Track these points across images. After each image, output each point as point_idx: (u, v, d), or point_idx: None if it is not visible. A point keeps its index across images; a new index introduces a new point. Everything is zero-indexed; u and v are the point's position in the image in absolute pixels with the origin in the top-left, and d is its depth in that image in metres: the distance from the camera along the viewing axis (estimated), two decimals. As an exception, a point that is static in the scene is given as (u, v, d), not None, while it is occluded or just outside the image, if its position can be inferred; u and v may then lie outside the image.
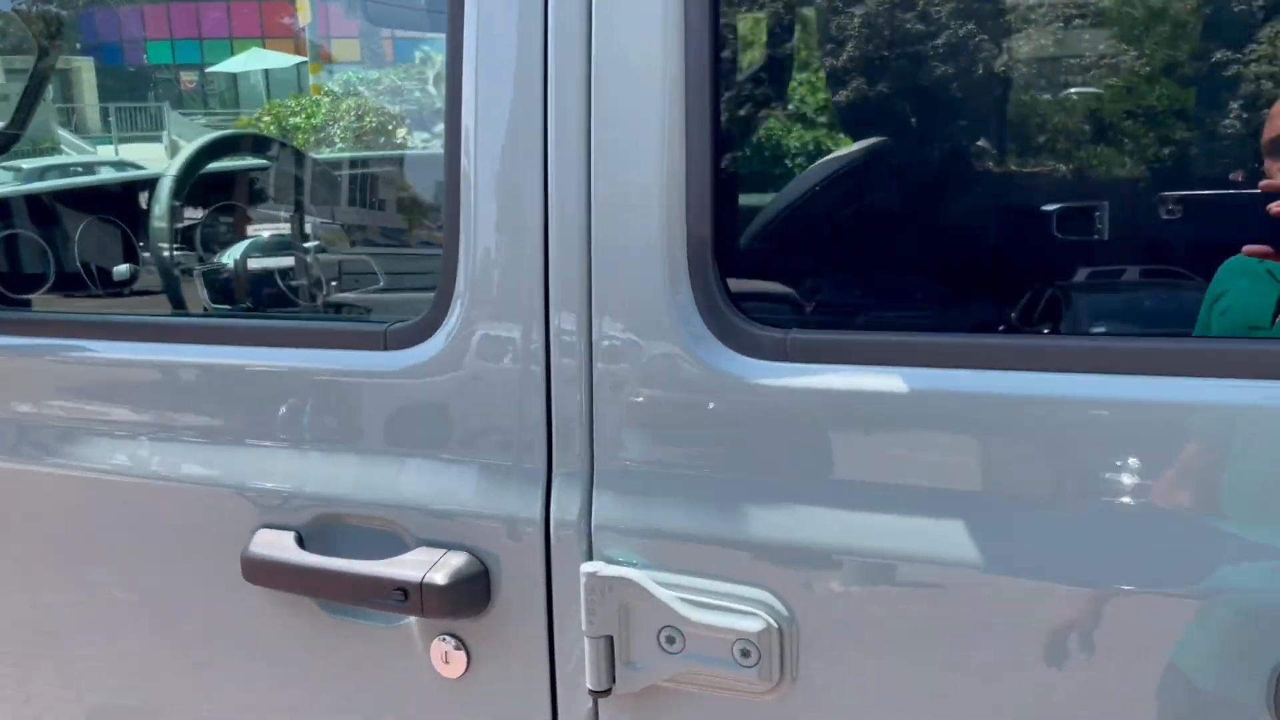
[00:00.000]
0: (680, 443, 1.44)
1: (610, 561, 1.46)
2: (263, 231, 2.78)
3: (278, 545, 1.66)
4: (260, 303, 2.39)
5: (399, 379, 1.60)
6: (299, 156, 3.22)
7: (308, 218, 2.80)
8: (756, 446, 1.39)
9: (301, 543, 1.66)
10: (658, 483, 1.45)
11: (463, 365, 1.55)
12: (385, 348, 1.62)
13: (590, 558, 1.49)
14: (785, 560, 1.37)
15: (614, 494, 1.47)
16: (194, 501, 1.77)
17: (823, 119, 1.79)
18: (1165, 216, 1.36)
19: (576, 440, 1.49)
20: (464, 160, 1.53)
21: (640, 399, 1.45)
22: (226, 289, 2.35)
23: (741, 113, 1.78)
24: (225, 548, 1.71)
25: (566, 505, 1.50)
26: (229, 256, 2.39)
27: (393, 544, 1.61)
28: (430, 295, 1.62)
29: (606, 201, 1.44)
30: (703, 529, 1.42)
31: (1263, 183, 1.35)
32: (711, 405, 1.41)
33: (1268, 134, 1.58)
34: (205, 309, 2.37)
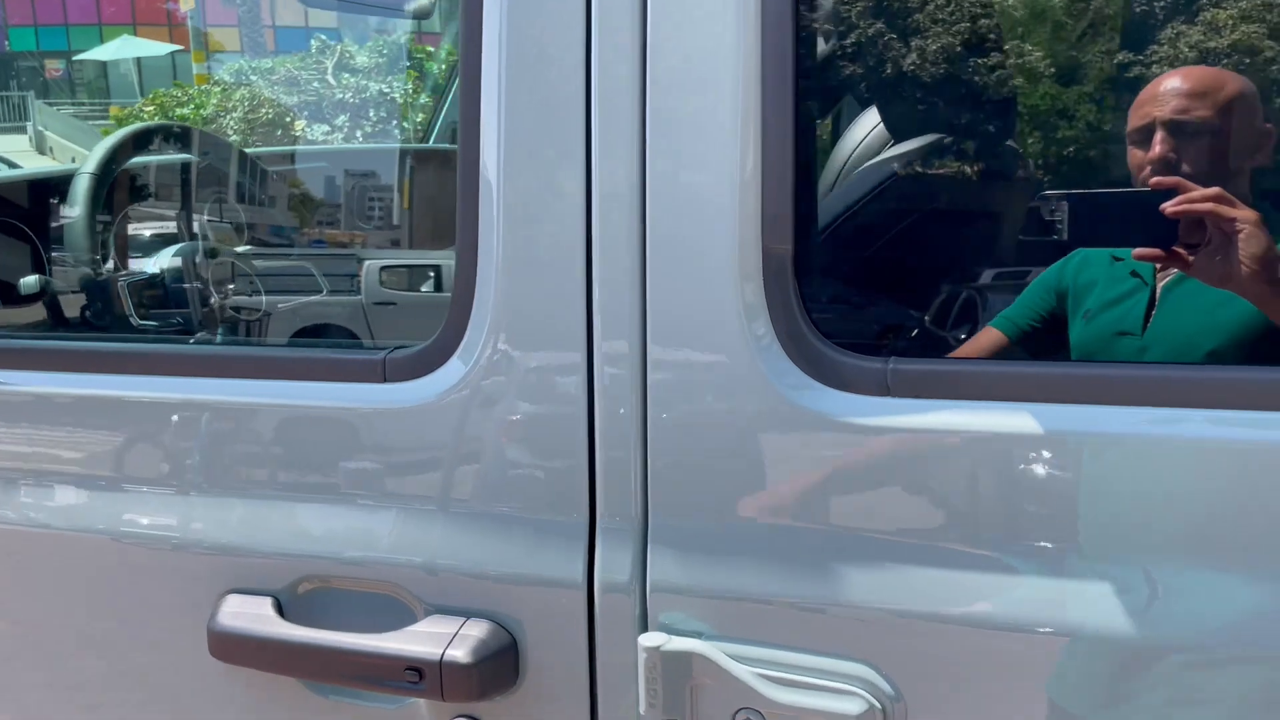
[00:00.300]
0: (757, 491, 1.23)
1: (672, 631, 1.24)
2: (200, 235, 2.46)
3: (253, 615, 1.39)
4: (209, 321, 2.09)
5: (402, 416, 1.35)
6: (239, 153, 2.90)
7: (250, 220, 2.51)
8: (852, 496, 1.19)
9: (281, 611, 1.40)
10: (729, 537, 1.23)
11: (482, 399, 1.31)
12: (384, 379, 1.37)
13: (645, 627, 1.26)
14: (890, 629, 1.17)
15: (674, 550, 1.26)
16: (148, 562, 1.49)
17: (918, 109, 1.60)
18: (1048, 218, 1.21)
19: (627, 487, 1.27)
20: (484, 158, 1.29)
21: (706, 439, 1.23)
22: (163, 303, 2.04)
23: (826, 106, 1.58)
24: (187, 618, 1.43)
25: (614, 564, 1.28)
26: (163, 264, 2.07)
27: (395, 612, 1.36)
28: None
29: (665, 207, 1.22)
30: (787, 591, 1.21)
31: (1153, 180, 1.23)
32: (795, 448, 1.21)
33: (1132, 123, 1.48)
34: (145, 328, 2.06)
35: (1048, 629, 1.12)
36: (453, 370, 1.33)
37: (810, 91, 1.58)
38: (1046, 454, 1.13)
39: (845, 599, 1.19)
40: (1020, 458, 1.13)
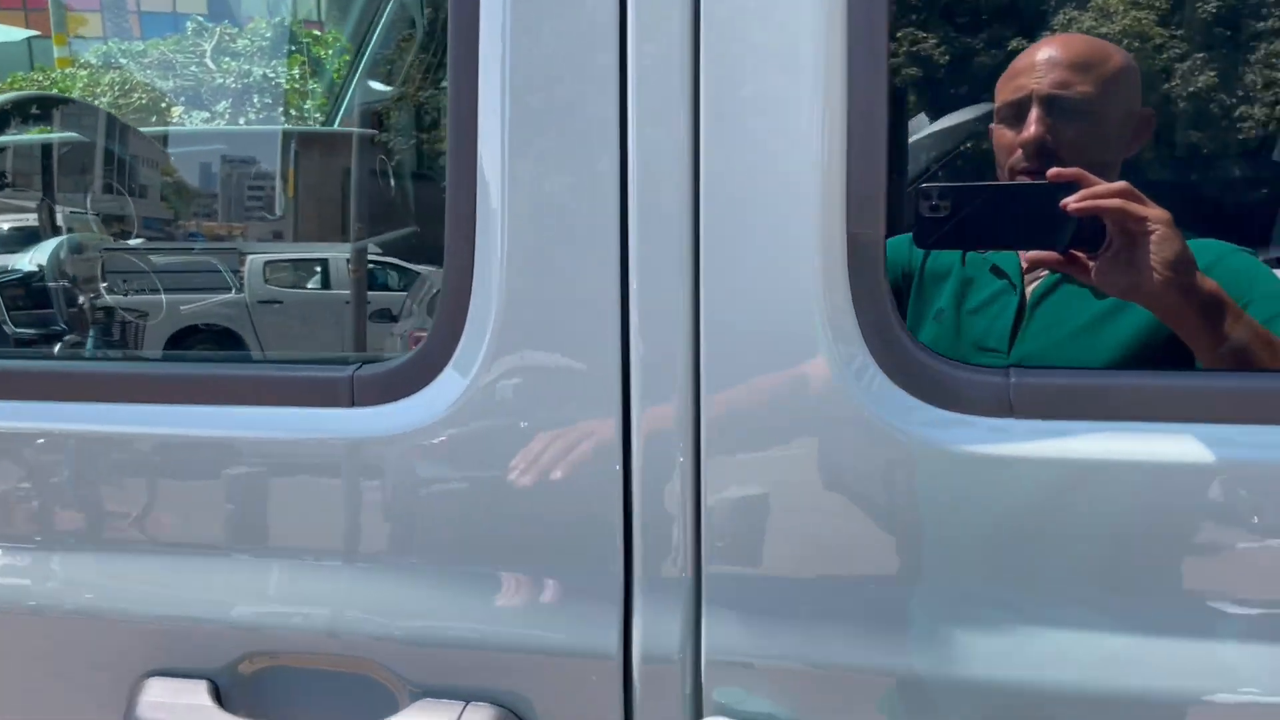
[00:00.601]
0: (845, 537, 0.98)
1: (734, 714, 0.99)
2: (66, 228, 2.09)
3: (183, 705, 1.09)
4: (78, 326, 1.74)
5: (377, 449, 1.07)
6: (123, 129, 2.53)
7: (124, 211, 2.16)
8: (969, 543, 0.96)
9: (219, 698, 1.10)
10: (808, 596, 0.99)
11: (482, 425, 1.03)
12: (351, 402, 1.08)
13: (699, 709, 1.01)
14: (1022, 708, 0.94)
15: (736, 611, 1.00)
16: (43, 639, 1.17)
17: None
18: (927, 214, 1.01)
19: (674, 533, 1.01)
20: (483, 134, 1.02)
21: (776, 471, 0.98)
22: (28, 307, 1.67)
23: (921, 76, 1.33)
24: (98, 712, 1.12)
25: (658, 628, 1.02)
26: (40, 261, 1.70)
27: (370, 696, 1.08)
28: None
29: (723, 187, 0.97)
30: (886, 662, 0.97)
31: (1052, 171, 1.03)
32: (893, 484, 0.97)
33: (1002, 96, 1.27)
34: (31, 342, 1.68)
35: (1229, 701, 0.90)
36: (445, 388, 1.05)
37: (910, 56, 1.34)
38: (1219, 488, 0.91)
39: (959, 671, 0.95)
40: (1184, 491, 0.91)
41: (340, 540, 1.08)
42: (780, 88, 0.96)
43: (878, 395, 0.96)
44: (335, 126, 3.48)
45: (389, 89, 2.89)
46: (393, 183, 2.94)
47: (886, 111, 0.95)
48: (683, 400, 0.99)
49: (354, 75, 3.40)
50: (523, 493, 1.02)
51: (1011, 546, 0.94)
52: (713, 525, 0.99)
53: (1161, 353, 1.14)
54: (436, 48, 2.90)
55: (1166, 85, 1.41)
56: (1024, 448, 0.94)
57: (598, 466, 1.01)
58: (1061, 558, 0.93)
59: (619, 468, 1.01)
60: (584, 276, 1.00)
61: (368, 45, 3.07)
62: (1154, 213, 1.04)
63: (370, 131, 2.81)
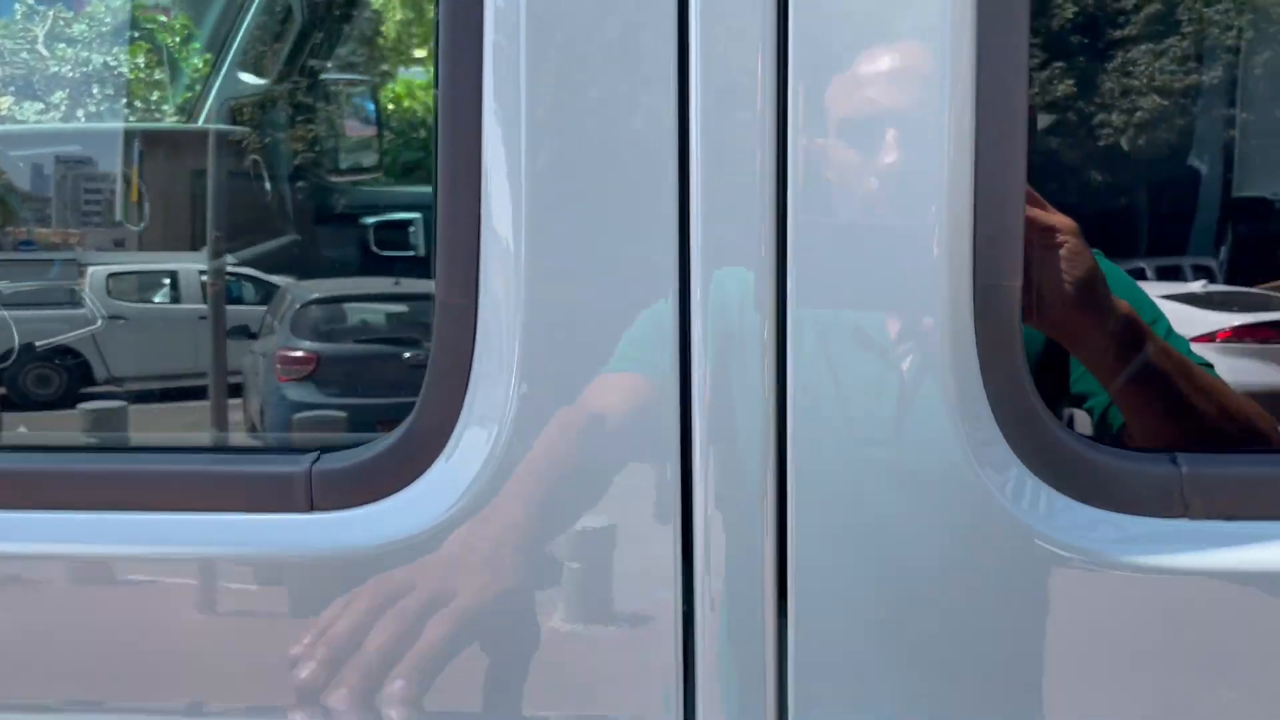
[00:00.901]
0: (973, 660, 0.77)
1: None
2: None
3: None
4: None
5: (342, 569, 0.80)
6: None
7: None
8: (1127, 669, 0.75)
9: None
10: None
11: (492, 536, 0.78)
12: (310, 505, 0.81)
13: None
14: None
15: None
16: None
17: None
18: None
19: (754, 677, 0.78)
20: (487, 140, 0.77)
21: (888, 589, 0.76)
22: None
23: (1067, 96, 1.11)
24: None
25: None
26: None
27: None
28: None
29: (812, 224, 0.74)
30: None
31: None
32: (1040, 604, 0.76)
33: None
34: None
35: None
36: (437, 485, 0.79)
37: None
38: None
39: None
40: None
41: (291, 696, 0.81)
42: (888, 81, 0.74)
43: (1020, 494, 0.75)
44: (197, 123, 3.11)
45: (261, 81, 2.55)
46: (267, 186, 2.62)
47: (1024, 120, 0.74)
48: (761, 506, 0.76)
49: (220, 65, 3.04)
50: (560, 634, 0.77)
51: (1199, 680, 0.75)
52: (803, 655, 0.77)
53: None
54: (323, 36, 2.59)
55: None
56: (1203, 559, 0.74)
57: (650, 591, 0.77)
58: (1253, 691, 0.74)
59: (674, 602, 0.77)
60: (624, 337, 0.76)
61: (236, 31, 2.72)
62: (1060, 220, 0.86)
63: (238, 129, 2.48)
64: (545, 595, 0.78)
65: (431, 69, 0.90)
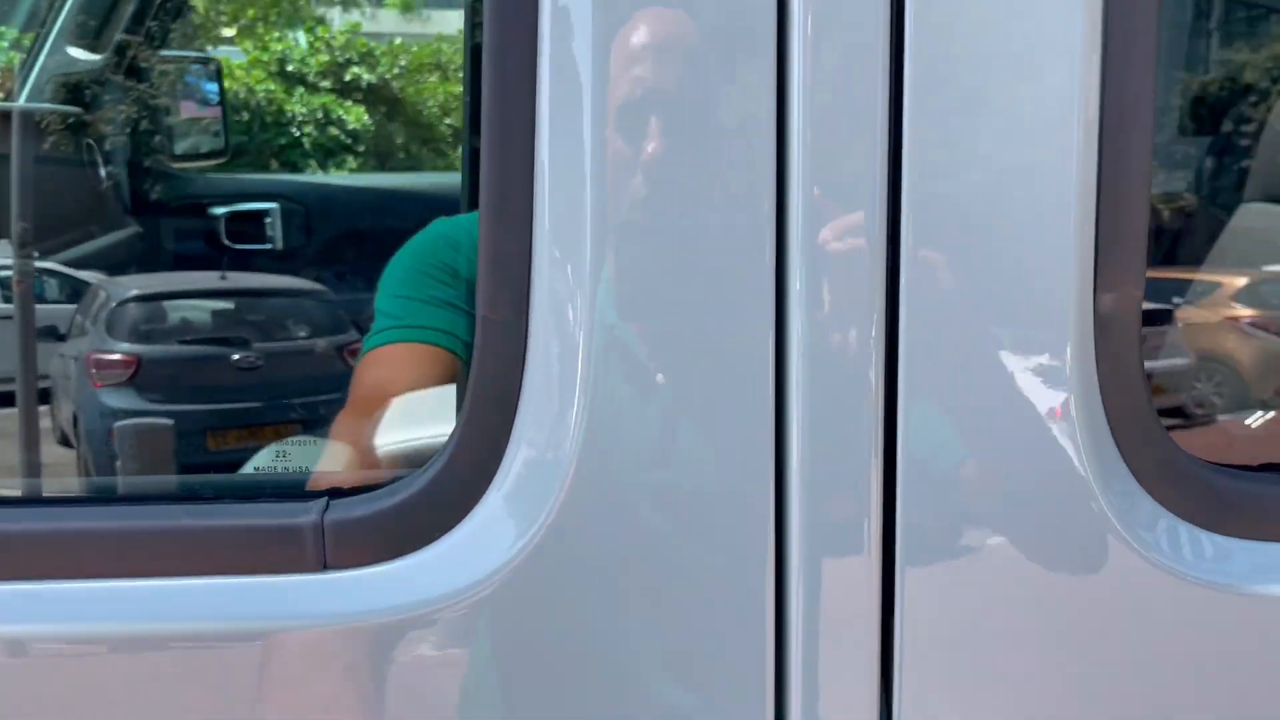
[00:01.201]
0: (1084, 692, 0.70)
1: None
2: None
3: None
4: None
5: (366, 640, 0.66)
6: None
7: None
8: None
9: None
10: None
11: (566, 594, 0.66)
12: (323, 564, 0.66)
13: None
14: None
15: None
16: None
17: None
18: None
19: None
20: (542, 128, 0.64)
21: (1008, 624, 0.68)
22: None
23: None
24: None
25: None
26: None
27: None
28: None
29: (938, 234, 0.66)
30: None
31: None
32: (1180, 640, 0.70)
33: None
34: None
35: None
36: (487, 531, 0.66)
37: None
38: None
39: None
40: None
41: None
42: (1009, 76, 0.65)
43: (1142, 522, 0.68)
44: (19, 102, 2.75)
45: (96, 58, 2.25)
46: (103, 172, 2.31)
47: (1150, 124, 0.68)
48: (869, 541, 0.67)
49: (43, 40, 2.69)
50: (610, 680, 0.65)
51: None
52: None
53: None
54: (161, 10, 2.29)
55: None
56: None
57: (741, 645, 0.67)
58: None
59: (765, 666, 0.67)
60: (732, 347, 0.65)
61: (59, 6, 2.40)
62: None
63: (69, 109, 2.17)
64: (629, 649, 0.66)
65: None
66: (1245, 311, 1.35)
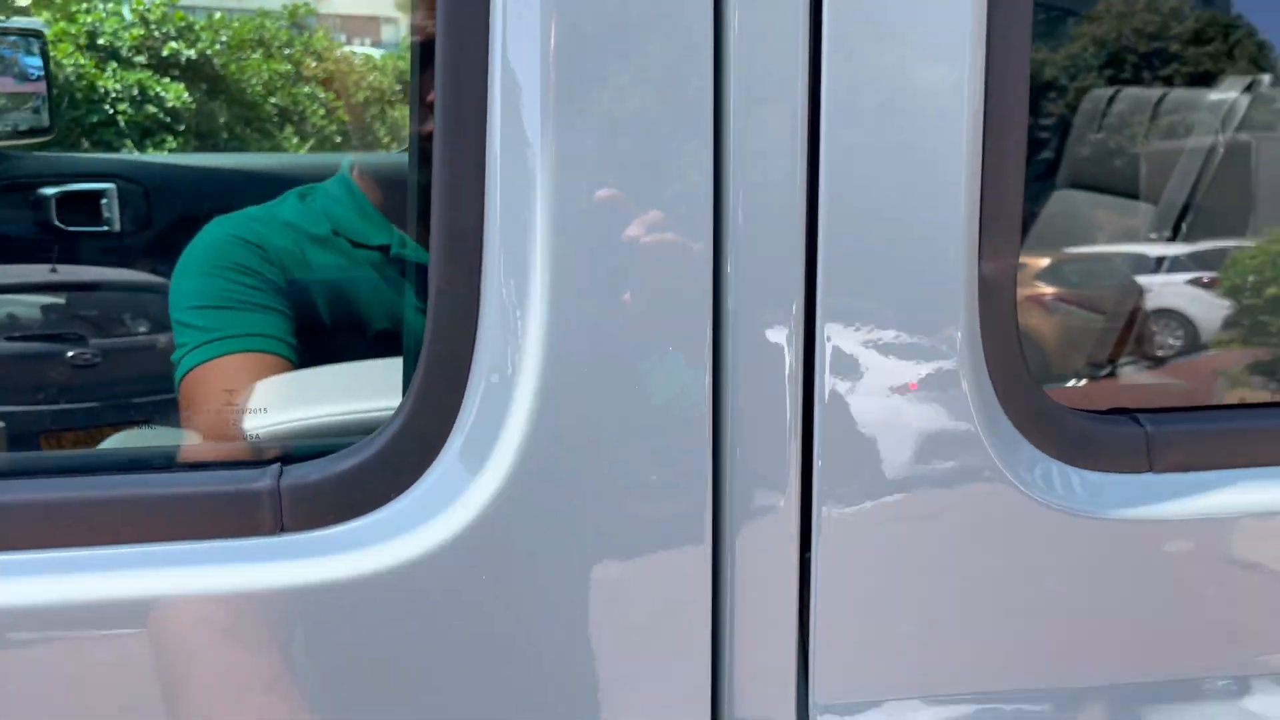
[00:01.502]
0: (963, 601, 0.79)
1: None
2: None
3: None
4: None
5: (325, 605, 0.69)
6: None
7: None
8: (1108, 615, 0.81)
9: None
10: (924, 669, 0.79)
11: (520, 552, 0.70)
12: (279, 526, 0.68)
13: None
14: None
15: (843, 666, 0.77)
16: None
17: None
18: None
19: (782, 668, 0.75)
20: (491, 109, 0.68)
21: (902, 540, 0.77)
22: None
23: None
24: None
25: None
26: None
27: None
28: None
29: (838, 200, 0.73)
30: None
31: None
32: (1034, 561, 0.79)
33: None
34: None
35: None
36: (444, 488, 0.69)
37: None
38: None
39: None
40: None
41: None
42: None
43: (1012, 455, 0.78)
44: None
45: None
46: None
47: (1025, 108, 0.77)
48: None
49: None
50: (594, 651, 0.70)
51: (1184, 629, 0.81)
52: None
53: None
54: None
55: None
56: (1171, 508, 0.81)
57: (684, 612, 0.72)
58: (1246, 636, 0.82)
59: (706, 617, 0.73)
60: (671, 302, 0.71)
61: None
62: None
63: None
64: (572, 608, 0.71)
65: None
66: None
